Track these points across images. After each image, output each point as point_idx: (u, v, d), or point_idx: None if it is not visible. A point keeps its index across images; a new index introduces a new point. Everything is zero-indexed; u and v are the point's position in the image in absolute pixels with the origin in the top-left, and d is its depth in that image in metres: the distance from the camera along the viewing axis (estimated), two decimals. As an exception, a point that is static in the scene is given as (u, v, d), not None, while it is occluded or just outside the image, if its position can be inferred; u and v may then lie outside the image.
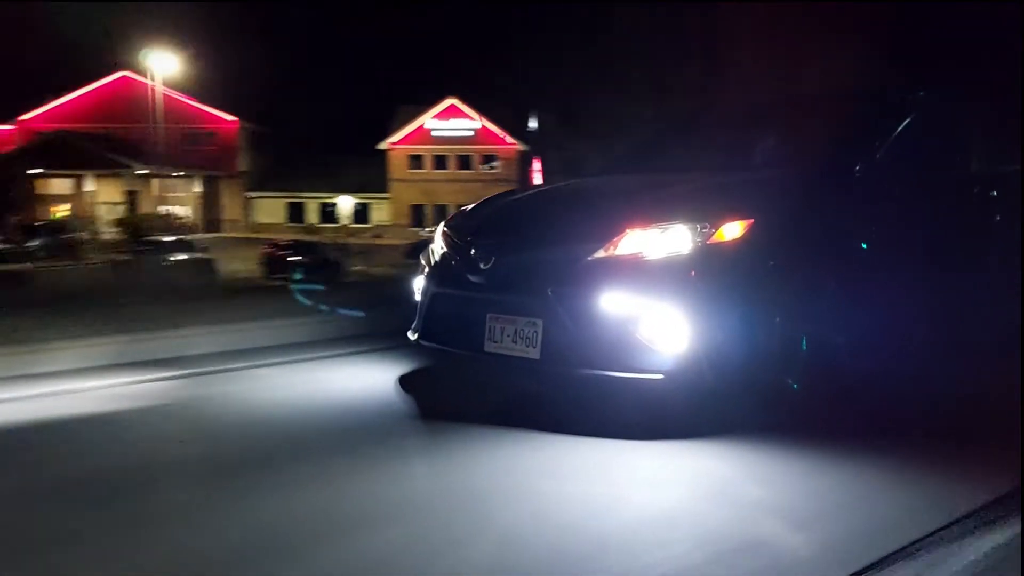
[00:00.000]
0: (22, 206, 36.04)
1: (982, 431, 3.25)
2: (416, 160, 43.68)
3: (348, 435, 3.24)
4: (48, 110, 44.42)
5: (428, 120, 43.10)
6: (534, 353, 3.35)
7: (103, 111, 43.15)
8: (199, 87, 41.89)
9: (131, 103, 41.58)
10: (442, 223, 4.23)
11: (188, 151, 42.23)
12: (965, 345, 4.29)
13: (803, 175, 3.74)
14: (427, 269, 3.98)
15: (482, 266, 3.61)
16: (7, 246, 27.89)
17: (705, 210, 3.30)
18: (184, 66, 39.30)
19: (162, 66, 38.81)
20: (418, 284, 4.01)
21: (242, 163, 44.07)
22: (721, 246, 3.24)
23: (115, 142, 40.15)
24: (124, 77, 43.22)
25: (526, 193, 4.16)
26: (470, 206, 4.33)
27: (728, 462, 2.81)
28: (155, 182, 40.48)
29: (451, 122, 43.25)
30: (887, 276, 3.71)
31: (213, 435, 3.30)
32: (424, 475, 2.75)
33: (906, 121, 4.16)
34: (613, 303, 3.19)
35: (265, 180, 44.60)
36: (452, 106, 43.21)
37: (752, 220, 3.29)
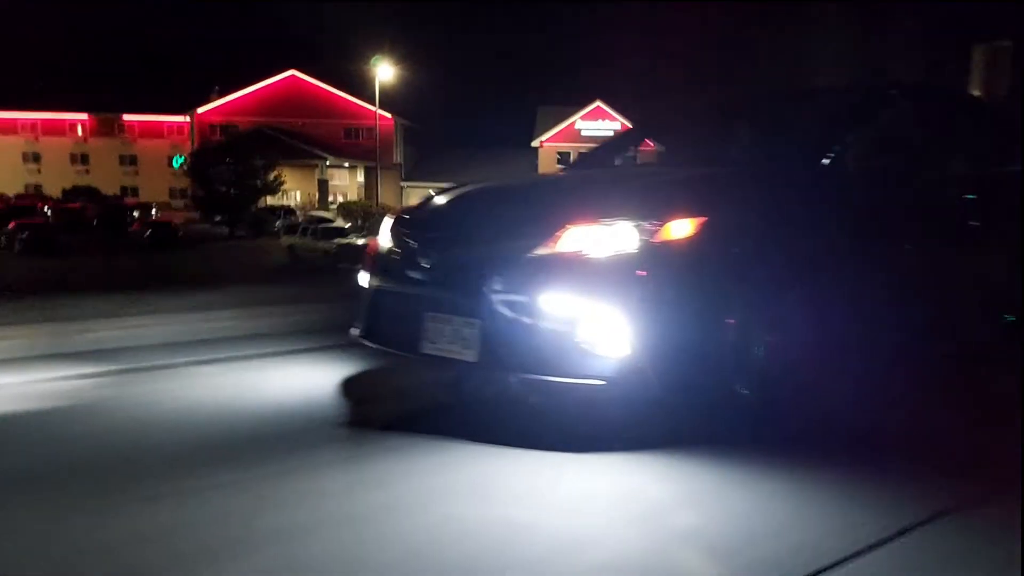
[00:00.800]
0: (265, 193, 39.41)
1: (936, 443, 3.07)
2: (564, 157, 47.55)
3: (266, 442, 3.04)
4: (220, 105, 49.72)
5: (578, 121, 48.99)
6: (471, 355, 3.16)
7: (271, 107, 48.20)
8: (360, 85, 45.65)
9: (298, 100, 47.38)
10: (389, 216, 4.04)
11: (348, 144, 47.63)
12: (935, 352, 4.13)
13: (763, 172, 3.56)
14: (370, 264, 3.79)
15: (422, 262, 3.42)
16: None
17: (653, 207, 3.11)
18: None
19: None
20: (363, 279, 3.83)
21: (396, 156, 49.01)
22: (669, 245, 3.04)
23: (298, 136, 45.14)
24: (292, 76, 48.38)
25: (478, 187, 3.96)
26: (423, 199, 4.15)
27: (663, 481, 2.61)
28: (329, 171, 45.76)
29: (597, 123, 48.77)
30: (854, 280, 3.53)
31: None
32: (335, 491, 2.54)
33: (878, 118, 3.99)
34: (553, 303, 3.00)
35: (416, 172, 49.93)
36: (598, 108, 49.18)
37: (705, 218, 3.10)
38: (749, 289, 3.15)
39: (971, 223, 4.13)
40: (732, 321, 3.10)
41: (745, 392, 3.10)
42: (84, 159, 52.91)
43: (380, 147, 45.45)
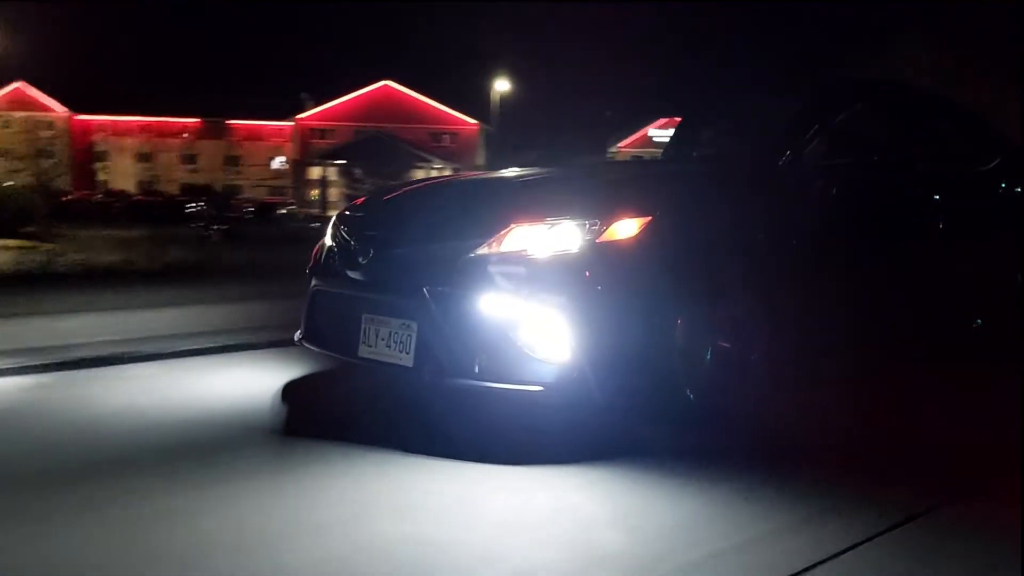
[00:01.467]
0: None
1: (892, 452, 2.96)
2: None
3: (192, 449, 2.88)
4: (319, 111, 54.84)
5: (650, 129, 51.13)
6: (407, 359, 3.02)
7: (364, 113, 52.53)
8: (445, 93, 50.89)
9: (389, 106, 51.97)
10: (336, 213, 3.89)
11: (434, 147, 50.97)
12: (902, 354, 4.03)
13: (715, 169, 3.44)
14: (313, 263, 3.65)
15: (360, 261, 3.28)
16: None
17: (597, 206, 2.98)
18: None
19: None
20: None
21: (479, 159, 50.73)
22: (613, 245, 2.91)
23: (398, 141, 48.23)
24: (386, 86, 53.29)
25: (424, 183, 3.82)
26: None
27: (597, 497, 2.47)
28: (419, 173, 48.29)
29: (667, 131, 50.71)
30: (814, 281, 3.42)
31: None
32: (251, 505, 2.38)
33: (842, 115, 3.88)
34: (493, 305, 2.86)
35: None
36: (673, 119, 52.61)
37: (650, 217, 2.98)
38: (698, 291, 3.04)
39: (939, 224, 4.04)
40: (679, 324, 2.98)
41: (691, 397, 2.99)
42: (192, 159, 57.67)
43: (464, 150, 50.90)
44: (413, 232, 3.20)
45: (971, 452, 2.95)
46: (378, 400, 3.54)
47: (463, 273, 2.93)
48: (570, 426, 3.07)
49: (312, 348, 3.52)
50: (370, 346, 3.16)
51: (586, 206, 2.97)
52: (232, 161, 57.38)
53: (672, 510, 2.37)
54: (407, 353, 3.01)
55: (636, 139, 51.94)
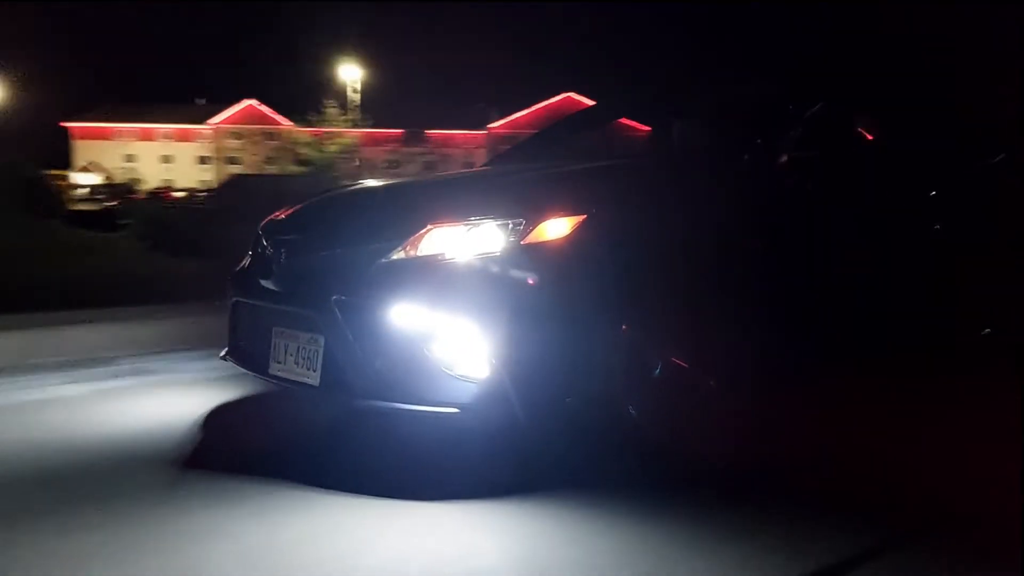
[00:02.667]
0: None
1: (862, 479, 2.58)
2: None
3: (86, 484, 2.56)
4: (508, 121, 61.74)
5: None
6: (314, 378, 2.70)
7: (545, 123, 58.16)
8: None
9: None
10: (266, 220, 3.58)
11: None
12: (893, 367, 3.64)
13: (665, 164, 3.09)
14: (233, 273, 3.34)
15: (273, 269, 2.98)
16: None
17: (523, 204, 2.65)
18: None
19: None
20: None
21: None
22: (541, 247, 2.58)
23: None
24: (568, 96, 56.98)
25: (349, 187, 3.52)
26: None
27: (502, 537, 2.13)
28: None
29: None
30: (791, 288, 3.06)
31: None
32: (111, 554, 2.07)
33: (812, 111, 3.50)
34: (405, 316, 2.54)
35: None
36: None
37: (585, 216, 2.64)
38: (641, 299, 2.69)
39: (934, 226, 3.66)
40: (621, 336, 2.64)
41: (635, 415, 2.64)
42: (396, 164, 62.75)
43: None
44: (325, 237, 2.89)
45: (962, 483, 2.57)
46: (294, 425, 3.20)
47: (374, 281, 2.61)
48: (497, 451, 2.74)
49: (234, 363, 3.21)
50: (280, 363, 2.85)
51: (510, 204, 2.64)
52: (430, 167, 61.47)
53: (576, 551, 2.03)
54: (314, 371, 2.69)
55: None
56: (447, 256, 2.57)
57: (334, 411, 2.91)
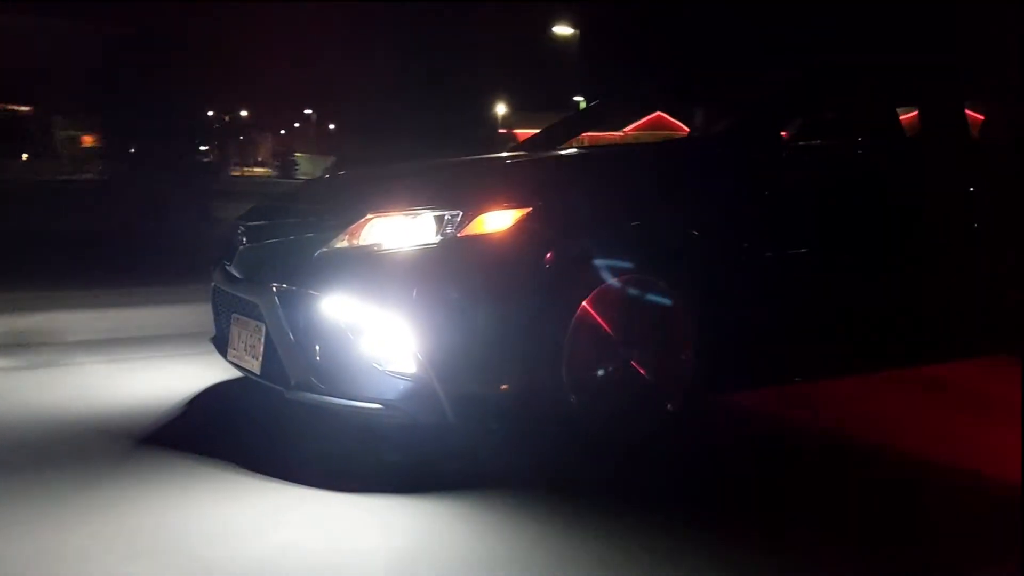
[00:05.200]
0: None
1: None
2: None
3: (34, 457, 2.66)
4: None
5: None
6: (256, 366, 2.70)
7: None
8: None
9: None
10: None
11: None
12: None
13: (620, 155, 2.90)
14: (217, 259, 3.37)
15: (236, 256, 2.99)
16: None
17: (461, 195, 2.54)
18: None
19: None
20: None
21: None
22: (479, 239, 2.47)
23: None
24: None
25: (323, 176, 3.48)
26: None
27: (394, 533, 2.06)
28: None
29: None
30: (768, 288, 2.84)
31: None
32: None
33: (784, 98, 3.21)
34: (338, 308, 2.49)
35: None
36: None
37: (530, 208, 2.51)
38: (597, 295, 2.55)
39: (949, 221, 3.31)
40: (566, 335, 2.51)
41: (574, 402, 2.51)
42: None
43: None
44: (278, 225, 2.88)
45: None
46: (253, 409, 3.18)
47: (312, 270, 2.57)
48: (447, 446, 2.66)
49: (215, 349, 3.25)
50: (235, 349, 2.86)
51: (448, 195, 2.55)
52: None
53: (472, 545, 1.95)
54: (256, 359, 2.69)
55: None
56: (383, 247, 2.51)
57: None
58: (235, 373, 3.08)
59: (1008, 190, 3.35)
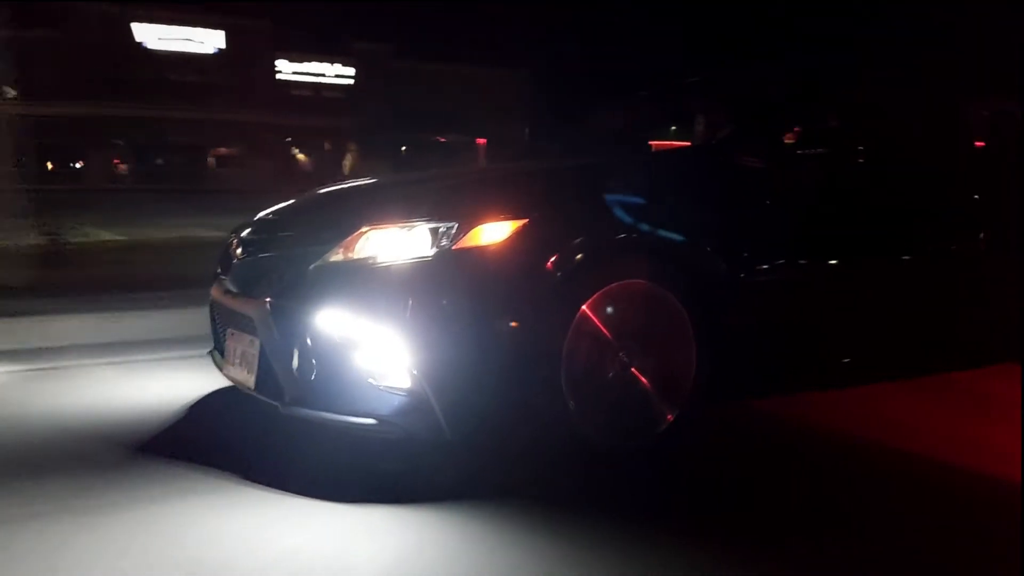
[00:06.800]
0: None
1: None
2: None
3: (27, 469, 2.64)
4: None
5: None
6: (251, 381, 2.67)
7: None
8: None
9: None
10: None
11: None
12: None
13: (628, 165, 2.86)
14: (215, 272, 3.35)
15: (231, 270, 2.97)
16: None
17: (456, 207, 2.51)
18: None
19: None
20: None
21: None
22: (474, 252, 2.44)
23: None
24: None
25: (319, 189, 3.45)
26: None
27: (382, 544, 2.03)
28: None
29: None
30: (740, 289, 2.78)
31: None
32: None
33: (798, 106, 3.16)
34: (333, 321, 2.46)
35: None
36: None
37: (527, 220, 2.47)
38: (596, 302, 2.51)
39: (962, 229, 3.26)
40: (564, 346, 2.47)
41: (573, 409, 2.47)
42: None
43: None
44: (272, 239, 2.86)
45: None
46: (250, 420, 3.15)
47: (307, 284, 2.54)
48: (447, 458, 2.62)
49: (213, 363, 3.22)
50: (231, 363, 2.84)
51: (443, 207, 2.51)
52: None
53: (467, 553, 1.92)
54: (251, 374, 2.66)
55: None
56: (378, 260, 2.48)
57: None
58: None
59: (1013, 196, 3.31)
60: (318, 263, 2.55)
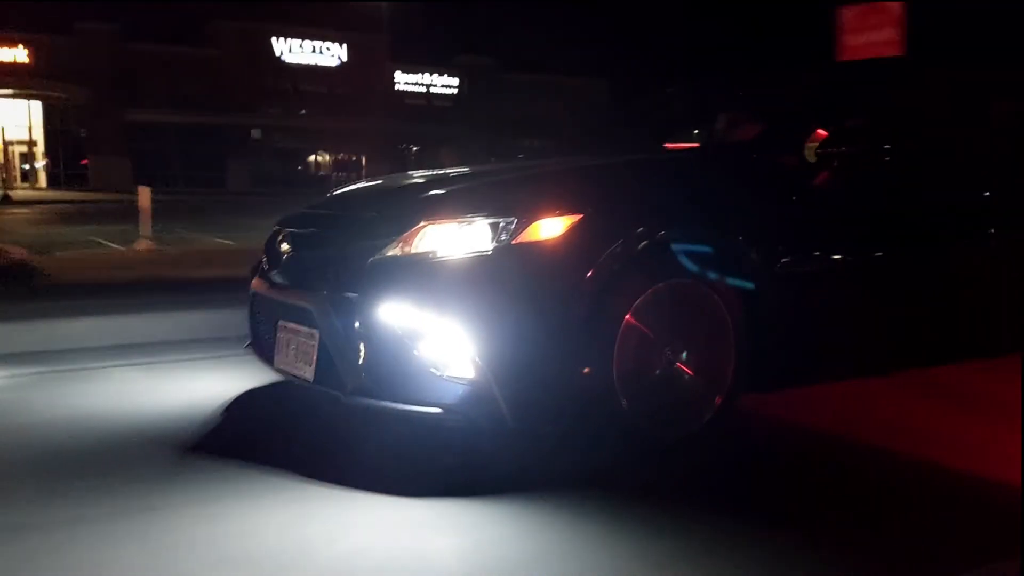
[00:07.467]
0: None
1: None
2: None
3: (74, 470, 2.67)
4: None
5: None
6: (309, 373, 2.73)
7: None
8: None
9: None
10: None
11: None
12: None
13: (675, 162, 2.97)
14: (256, 262, 3.40)
15: (281, 263, 3.03)
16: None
17: (515, 203, 2.59)
18: None
19: None
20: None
21: None
22: (533, 246, 2.53)
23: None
24: None
25: (365, 183, 3.52)
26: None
27: (463, 540, 2.11)
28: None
29: None
30: (805, 292, 2.91)
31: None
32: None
33: (837, 110, 3.29)
34: (395, 314, 2.53)
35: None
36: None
37: (581, 216, 2.57)
38: (644, 301, 2.61)
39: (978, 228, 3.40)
40: (617, 338, 2.57)
41: (626, 407, 2.57)
42: None
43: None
44: (327, 232, 2.91)
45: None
46: (306, 414, 3.21)
47: (367, 277, 2.61)
48: (496, 450, 2.71)
49: (255, 356, 3.27)
50: (284, 356, 2.89)
51: (503, 203, 2.60)
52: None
53: (526, 545, 2.01)
54: (309, 366, 2.72)
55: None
56: (438, 254, 2.55)
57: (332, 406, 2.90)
58: (271, 378, 3.11)
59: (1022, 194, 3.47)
60: (378, 257, 2.62)
